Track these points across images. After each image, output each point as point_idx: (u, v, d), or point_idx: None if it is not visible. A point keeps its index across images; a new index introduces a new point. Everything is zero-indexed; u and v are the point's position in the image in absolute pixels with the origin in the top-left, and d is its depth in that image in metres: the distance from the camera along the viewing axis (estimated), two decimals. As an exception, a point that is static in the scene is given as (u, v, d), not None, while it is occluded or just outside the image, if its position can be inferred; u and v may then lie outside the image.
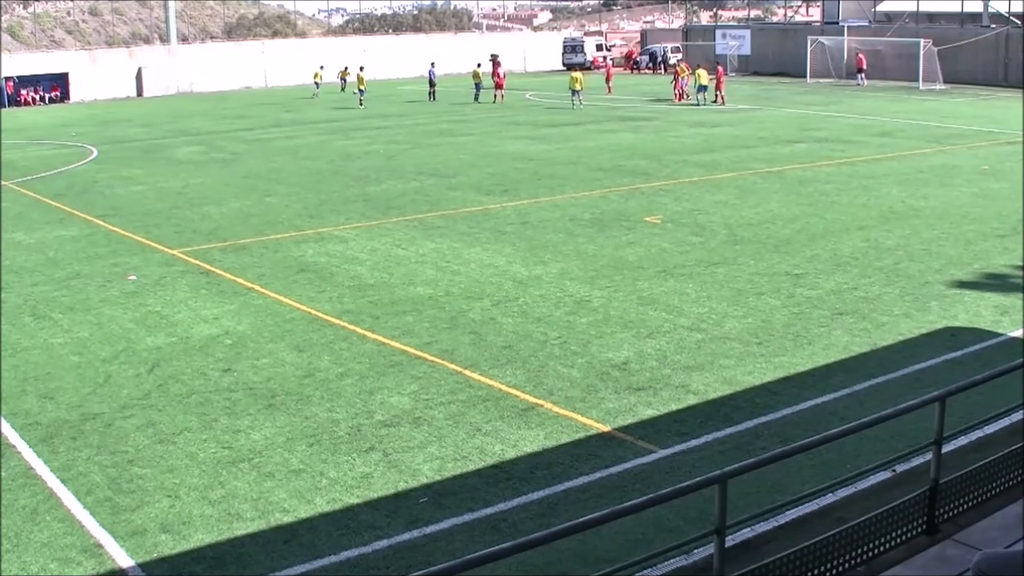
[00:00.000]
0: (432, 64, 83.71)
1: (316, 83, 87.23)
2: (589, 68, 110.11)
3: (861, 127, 59.76)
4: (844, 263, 27.18)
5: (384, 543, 13.09)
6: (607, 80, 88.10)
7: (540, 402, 17.81)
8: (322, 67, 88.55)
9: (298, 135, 59.54)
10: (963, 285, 25.23)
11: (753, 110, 70.87)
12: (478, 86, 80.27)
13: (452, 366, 19.60)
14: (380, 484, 14.77)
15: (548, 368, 19.49)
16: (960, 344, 20.87)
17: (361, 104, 75.24)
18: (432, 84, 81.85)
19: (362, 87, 77.29)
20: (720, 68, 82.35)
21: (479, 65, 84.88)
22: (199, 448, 16.09)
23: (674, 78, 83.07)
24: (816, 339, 21.23)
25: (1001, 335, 21.48)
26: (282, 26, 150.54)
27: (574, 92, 72.47)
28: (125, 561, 12.77)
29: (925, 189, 38.38)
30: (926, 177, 41.25)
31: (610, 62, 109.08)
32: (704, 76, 76.87)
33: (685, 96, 78.99)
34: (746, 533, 12.27)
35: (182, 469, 15.33)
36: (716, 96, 75.78)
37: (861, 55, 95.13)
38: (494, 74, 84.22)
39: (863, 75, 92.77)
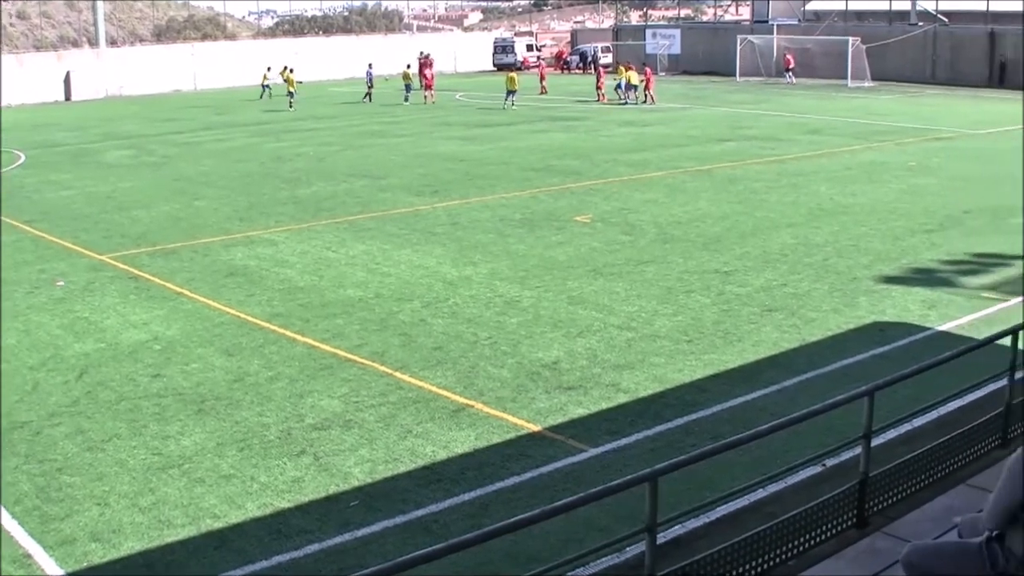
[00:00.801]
0: (370, 65, 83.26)
1: (264, 85, 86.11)
2: (520, 68, 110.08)
3: (790, 125, 60.12)
4: (773, 260, 27.34)
5: (316, 547, 13.06)
6: (541, 80, 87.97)
7: (471, 403, 17.81)
8: (269, 68, 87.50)
9: (228, 138, 59.15)
10: (891, 280, 25.43)
11: (683, 109, 71.16)
12: (408, 87, 80.00)
13: (383, 368, 19.57)
14: (311, 488, 14.73)
15: (479, 369, 19.50)
16: (888, 339, 21.05)
17: (291, 106, 74.87)
18: (370, 85, 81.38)
19: (292, 89, 76.83)
20: (648, 68, 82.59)
21: (408, 66, 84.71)
22: (129, 455, 15.98)
23: (598, 78, 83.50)
24: (746, 336, 21.34)
25: (929, 329, 21.67)
26: (212, 28, 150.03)
27: (510, 92, 72.46)
28: (54, 571, 12.68)
29: (854, 186, 38.66)
30: (855, 174, 41.56)
31: (543, 62, 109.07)
32: (634, 76, 77.10)
33: (604, 96, 79.05)
34: (677, 530, 12.29)
35: (112, 476, 15.21)
36: (646, 96, 75.87)
37: (789, 54, 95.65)
38: (422, 74, 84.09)
39: (791, 73, 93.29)
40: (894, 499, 11.85)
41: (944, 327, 21.77)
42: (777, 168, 43.39)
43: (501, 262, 27.53)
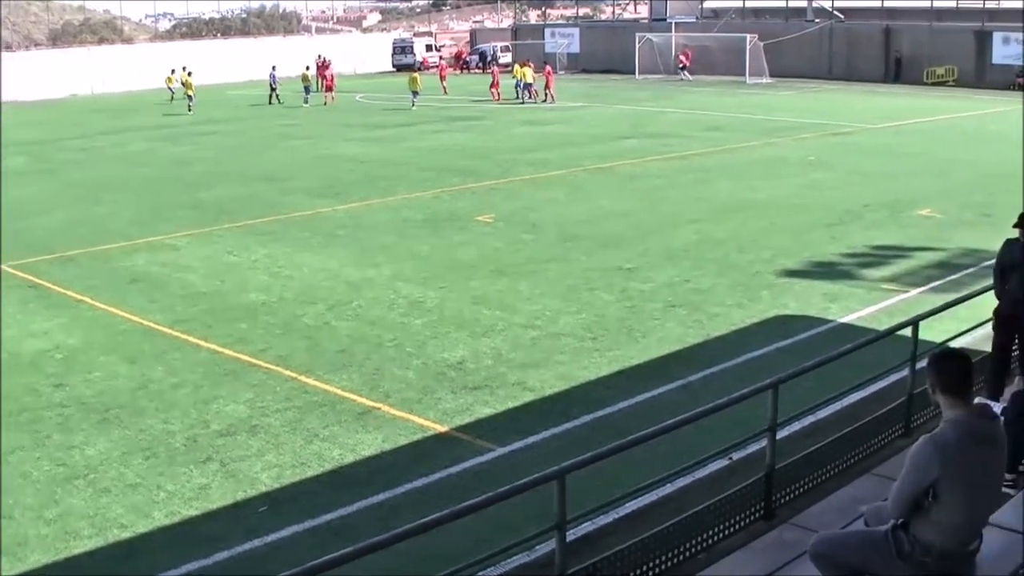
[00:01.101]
0: (273, 68, 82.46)
1: (170, 88, 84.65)
2: (420, 69, 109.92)
3: (690, 122, 60.48)
4: (676, 256, 27.52)
5: (225, 554, 13.00)
6: (442, 80, 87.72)
7: (377, 405, 17.79)
8: (173, 71, 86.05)
9: (127, 143, 58.36)
10: (792, 274, 25.68)
11: (583, 107, 71.30)
12: (307, 89, 79.50)
13: (287, 372, 19.49)
14: (218, 495, 14.65)
15: (384, 371, 19.47)
16: (791, 332, 21.26)
17: (190, 110, 74.17)
18: (273, 88, 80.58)
19: (190, 93, 76.03)
20: (548, 66, 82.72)
21: (307, 68, 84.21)
22: (32, 466, 15.76)
23: (493, 77, 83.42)
24: (650, 332, 21.46)
25: (831, 321, 21.92)
26: (108, 32, 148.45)
27: (415, 93, 72.37)
28: (-43, 585, 12.54)
29: (753, 181, 39.01)
30: (754, 170, 41.94)
31: (444, 62, 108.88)
32: (529, 74, 77.18)
33: (500, 96, 79.04)
34: (587, 527, 12.37)
35: (15, 489, 15.00)
36: (545, 95, 75.92)
37: (683, 53, 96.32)
38: (320, 75, 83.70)
39: (686, 71, 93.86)
40: (800, 490, 12.00)
41: (846, 319, 22.02)
42: (678, 165, 43.65)
43: (404, 263, 27.48)
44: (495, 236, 30.51)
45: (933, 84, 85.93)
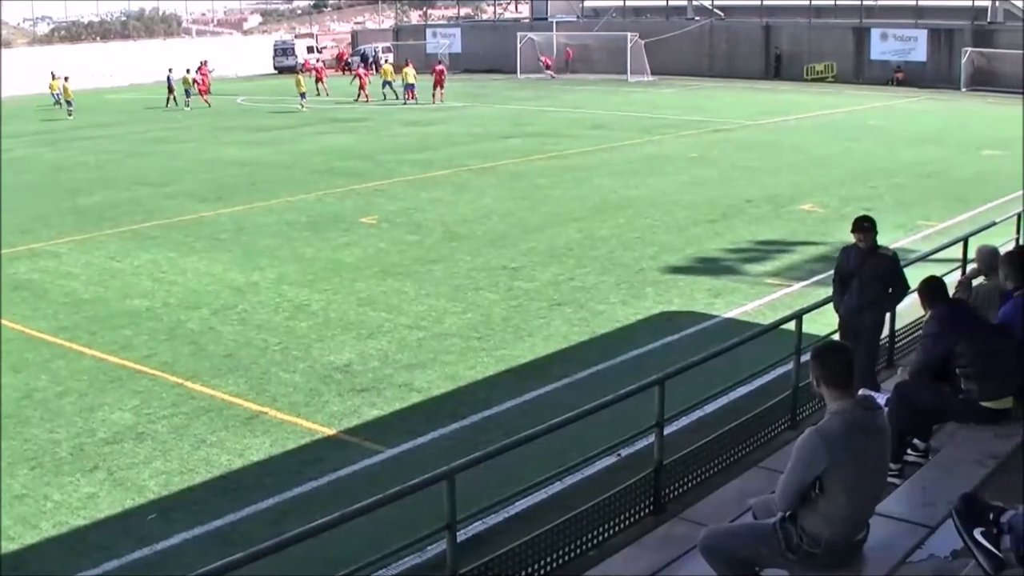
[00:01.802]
0: (170, 70, 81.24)
1: (53, 94, 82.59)
2: (301, 71, 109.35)
3: (573, 121, 60.73)
4: (560, 254, 27.63)
5: (115, 563, 12.89)
6: (318, 82, 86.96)
7: (264, 409, 17.70)
8: (54, 76, 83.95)
9: (5, 148, 57.50)
10: (677, 270, 25.88)
11: (465, 107, 71.35)
12: (188, 92, 78.63)
13: (173, 378, 19.32)
14: (107, 503, 14.51)
15: (270, 375, 19.38)
16: (676, 328, 21.44)
17: (70, 115, 73.04)
18: (171, 90, 79.35)
19: (68, 98, 74.83)
20: (441, 66, 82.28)
21: (188, 71, 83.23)
22: (-86, 478, 15.56)
23: (357, 78, 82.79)
24: (536, 330, 21.54)
25: (715, 316, 22.14)
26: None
27: (302, 95, 71.97)
28: None
29: (636, 179, 39.23)
30: (637, 167, 42.18)
31: (321, 64, 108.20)
32: (411, 75, 76.97)
33: (370, 97, 78.62)
34: (478, 527, 12.42)
35: None
36: (433, 95, 75.64)
37: (543, 55, 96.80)
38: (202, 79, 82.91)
39: (550, 70, 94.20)
40: (689, 485, 12.10)
41: (730, 314, 22.24)
42: (560, 164, 43.81)
43: (288, 266, 27.36)
44: (380, 237, 30.45)
45: (813, 80, 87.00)
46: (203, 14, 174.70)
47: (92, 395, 18.63)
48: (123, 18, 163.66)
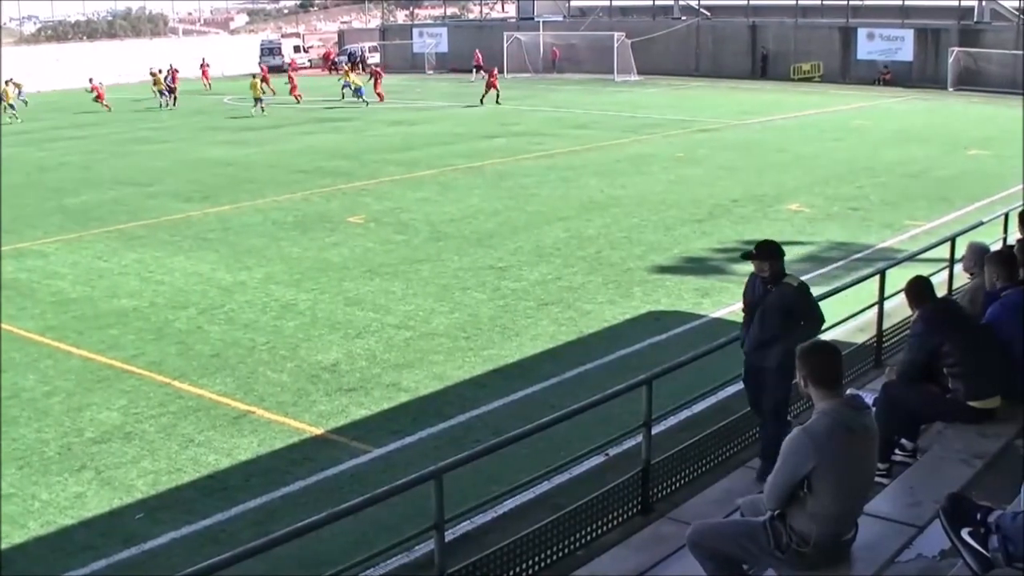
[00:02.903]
0: (171, 68, 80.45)
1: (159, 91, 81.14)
2: (287, 70, 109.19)
3: (558, 120, 60.76)
4: (547, 254, 27.64)
5: (102, 563, 12.88)
6: (263, 81, 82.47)
7: (252, 409, 17.70)
8: (160, 70, 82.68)
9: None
10: (664, 270, 25.90)
11: (451, 107, 71.32)
12: (161, 93, 77.80)
13: (161, 378, 19.31)
14: (94, 503, 14.50)
15: (258, 374, 19.38)
16: (664, 327, 21.46)
17: (17, 119, 71.18)
18: (172, 90, 78.48)
19: (11, 102, 72.62)
20: (378, 67, 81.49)
21: (160, 71, 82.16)
22: (-99, 478, 15.53)
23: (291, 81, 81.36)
24: (523, 330, 21.56)
25: (703, 316, 22.16)
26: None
27: (257, 100, 70.55)
28: None
29: (623, 178, 39.23)
30: (623, 166, 42.19)
31: (294, 62, 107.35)
32: (349, 74, 76.71)
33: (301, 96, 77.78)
34: (466, 526, 12.43)
35: None
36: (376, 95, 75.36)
37: (477, 52, 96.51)
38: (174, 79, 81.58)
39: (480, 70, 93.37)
40: (677, 484, 12.12)
41: (717, 314, 22.26)
42: (547, 163, 43.82)
43: (275, 266, 27.35)
44: (366, 237, 30.44)
45: (799, 80, 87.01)
46: (189, 13, 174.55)
47: (80, 395, 18.61)
48: (109, 17, 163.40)
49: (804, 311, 12.26)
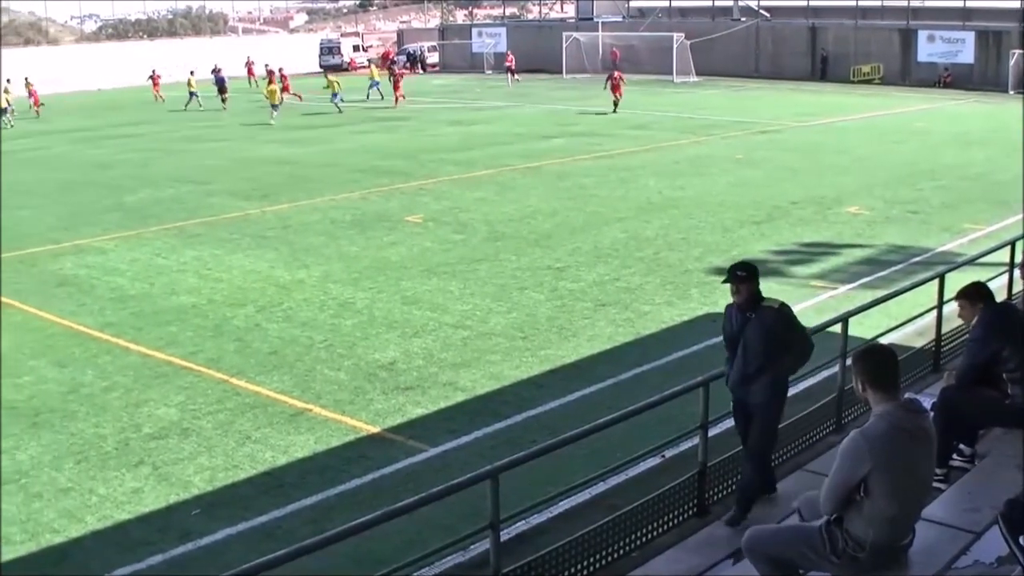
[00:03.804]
0: (219, 69, 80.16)
1: (191, 92, 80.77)
2: (346, 69, 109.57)
3: (618, 121, 60.57)
4: (605, 255, 27.59)
5: (158, 558, 12.95)
6: (284, 91, 77.00)
7: (309, 406, 17.75)
8: (192, 72, 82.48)
9: (46, 146, 57.69)
10: (722, 272, 25.47)
11: (509, 107, 71.27)
12: (192, 95, 76.76)
13: (218, 375, 19.41)
14: (151, 498, 14.58)
15: (315, 372, 19.43)
16: (721, 329, 21.30)
17: (11, 125, 70.68)
18: (223, 90, 77.50)
19: (2, 106, 71.95)
20: (403, 69, 79.57)
21: (192, 73, 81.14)
22: (-38, 472, 15.64)
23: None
24: (580, 331, 21.52)
25: (760, 319, 21.97)
26: (33, 34, 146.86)
27: (274, 107, 67.30)
28: None
29: (682, 179, 39.14)
30: (682, 168, 42.09)
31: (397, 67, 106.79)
32: (375, 72, 76.26)
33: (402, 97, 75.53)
34: (521, 526, 12.42)
35: (-55, 494, 14.88)
36: (395, 98, 74.62)
37: (510, 54, 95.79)
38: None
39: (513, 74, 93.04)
40: (733, 487, 12.03)
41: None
42: (605, 164, 43.74)
43: (334, 264, 27.42)
44: (425, 236, 30.48)
45: (859, 82, 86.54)
46: (249, 12, 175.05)
47: (138, 391, 18.73)
48: (170, 16, 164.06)
49: (788, 336, 11.32)
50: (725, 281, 11.40)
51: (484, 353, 20.30)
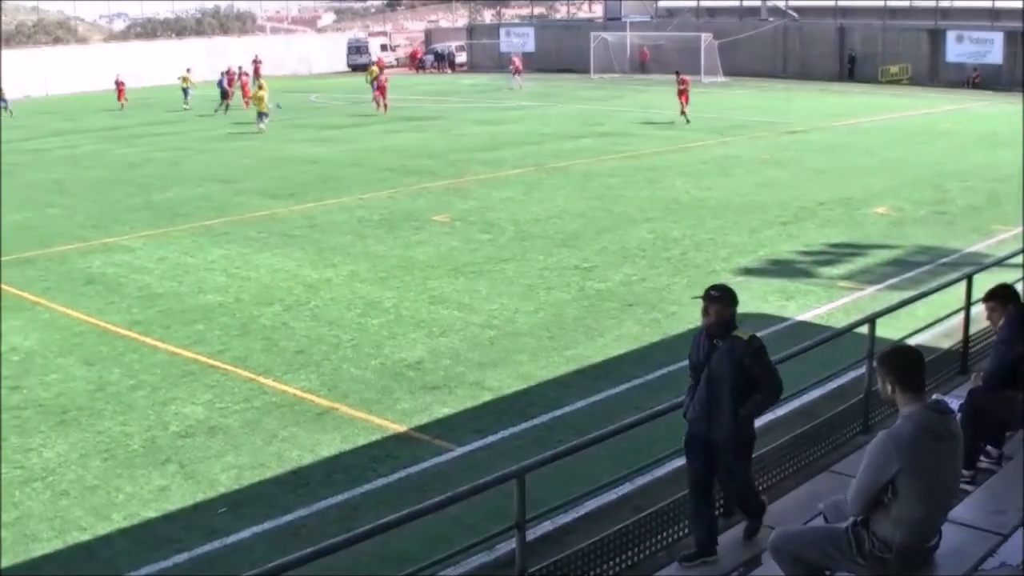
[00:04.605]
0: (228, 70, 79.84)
1: (184, 89, 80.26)
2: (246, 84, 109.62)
3: (645, 121, 60.59)
4: (632, 255, 27.57)
5: (184, 556, 12.99)
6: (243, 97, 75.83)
7: (336, 405, 17.77)
8: (188, 69, 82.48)
9: (77, 144, 57.78)
10: (749, 272, 25.77)
11: (537, 107, 71.26)
12: (186, 92, 76.24)
13: (245, 373, 19.44)
14: (178, 496, 14.62)
15: (342, 371, 19.45)
16: (748, 330, 21.26)
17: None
18: (225, 95, 74.98)
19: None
20: (382, 74, 75.83)
21: (188, 70, 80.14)
22: (-10, 469, 15.70)
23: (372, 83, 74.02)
24: (607, 331, 21.51)
25: (788, 319, 22.01)
26: (63, 32, 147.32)
27: (261, 116, 63.49)
28: (-84, 590, 12.45)
29: (708, 180, 39.10)
30: (709, 168, 42.04)
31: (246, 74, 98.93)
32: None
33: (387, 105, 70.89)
34: (547, 526, 12.42)
35: (-28, 491, 14.94)
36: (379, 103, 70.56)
37: (514, 58, 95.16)
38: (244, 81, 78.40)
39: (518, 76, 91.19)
40: (759, 488, 12.00)
41: (802, 317, 22.11)
42: (632, 164, 43.71)
43: (361, 263, 27.45)
44: (452, 236, 30.50)
45: (887, 83, 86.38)
46: (277, 12, 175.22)
47: (165, 389, 18.78)
48: (198, 15, 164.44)
49: (756, 372, 10.39)
50: (697, 297, 10.89)
51: (511, 353, 20.30)
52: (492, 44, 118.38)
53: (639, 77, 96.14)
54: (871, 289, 24.05)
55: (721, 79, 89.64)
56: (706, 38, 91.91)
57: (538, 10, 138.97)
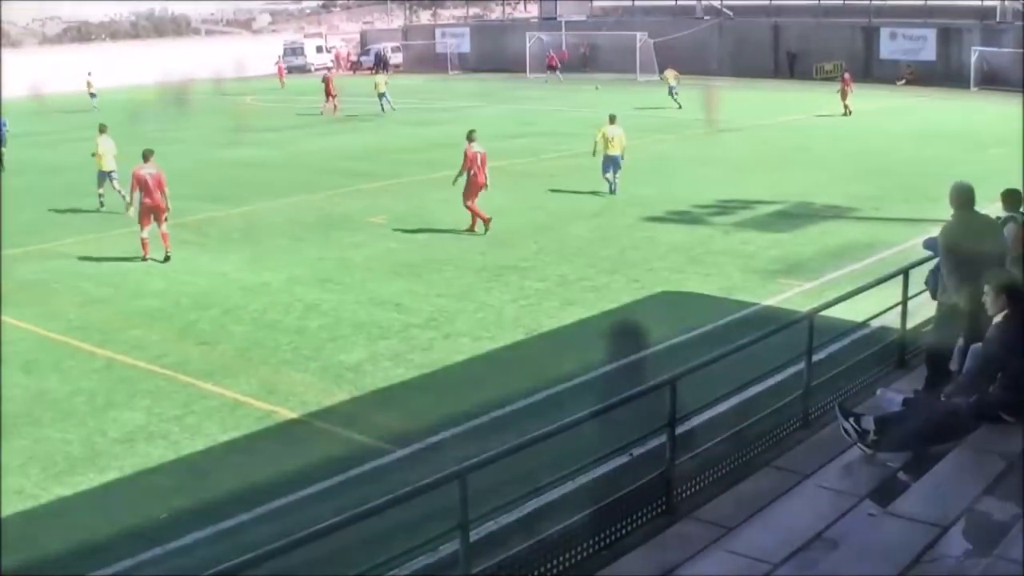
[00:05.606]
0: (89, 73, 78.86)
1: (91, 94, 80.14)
2: (310, 71, 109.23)
3: (580, 120, 60.42)
4: (570, 254, 27.68)
5: (127, 562, 12.91)
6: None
7: (276, 409, 17.74)
8: (90, 73, 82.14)
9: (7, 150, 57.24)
10: (688, 270, 25.91)
11: (472, 107, 71.16)
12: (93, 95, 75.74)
13: (185, 378, 19.34)
14: (119, 502, 14.54)
15: (282, 374, 19.42)
16: (688, 327, 21.39)
17: None
18: None
19: None
20: (330, 75, 75.19)
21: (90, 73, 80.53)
22: (-73, 478, 15.56)
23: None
24: (548, 329, 21.55)
25: (728, 316, 22.07)
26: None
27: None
28: None
29: (643, 177, 39.25)
30: (643, 166, 42.05)
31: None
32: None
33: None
34: (490, 527, 12.40)
35: (-91, 501, 14.81)
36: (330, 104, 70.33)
37: (551, 53, 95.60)
38: None
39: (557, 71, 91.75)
40: (701, 485, 12.07)
41: (742, 313, 22.20)
42: (569, 163, 43.76)
43: (299, 266, 27.37)
44: (389, 237, 30.48)
45: (823, 80, 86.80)
46: (212, 14, 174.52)
47: (103, 395, 18.65)
48: (132, 18, 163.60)
49: None
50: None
51: (451, 354, 20.32)
52: (428, 45, 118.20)
53: (573, 77, 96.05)
54: (809, 285, 24.20)
55: (657, 77, 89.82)
56: (642, 37, 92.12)
57: (473, 11, 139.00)
